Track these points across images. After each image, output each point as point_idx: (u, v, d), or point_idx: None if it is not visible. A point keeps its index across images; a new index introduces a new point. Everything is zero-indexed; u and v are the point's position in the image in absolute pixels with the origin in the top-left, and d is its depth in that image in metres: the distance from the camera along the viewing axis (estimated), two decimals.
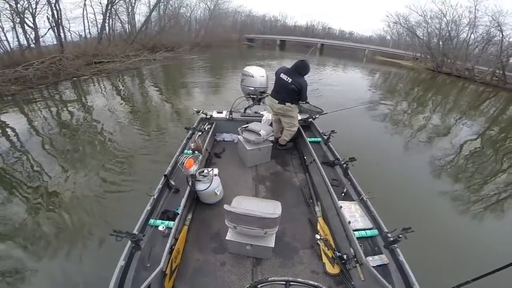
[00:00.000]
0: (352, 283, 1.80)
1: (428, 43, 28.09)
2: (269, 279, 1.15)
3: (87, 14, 17.54)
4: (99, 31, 17.39)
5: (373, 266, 1.66)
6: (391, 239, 1.76)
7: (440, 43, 27.00)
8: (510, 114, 11.40)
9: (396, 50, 36.42)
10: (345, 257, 1.94)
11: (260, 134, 3.12)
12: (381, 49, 39.54)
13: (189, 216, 2.35)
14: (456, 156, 5.94)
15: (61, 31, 13.51)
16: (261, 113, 3.96)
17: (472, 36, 24.88)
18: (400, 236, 1.66)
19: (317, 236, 2.22)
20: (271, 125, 3.70)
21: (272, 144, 3.40)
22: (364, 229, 1.98)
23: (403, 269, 1.61)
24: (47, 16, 12.92)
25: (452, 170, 5.22)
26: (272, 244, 1.92)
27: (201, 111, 3.91)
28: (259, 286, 1.18)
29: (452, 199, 4.20)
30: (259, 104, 4.40)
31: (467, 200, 4.21)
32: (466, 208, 4.04)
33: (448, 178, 4.87)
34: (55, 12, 12.78)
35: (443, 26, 26.40)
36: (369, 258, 1.73)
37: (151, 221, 1.96)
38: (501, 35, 21.16)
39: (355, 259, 1.88)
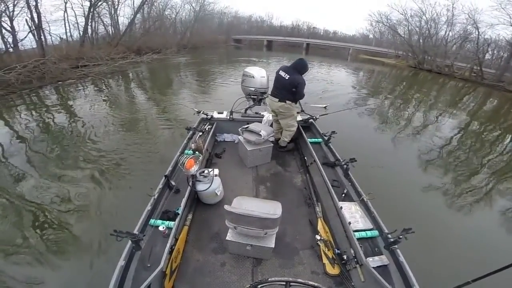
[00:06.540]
0: (352, 283, 1.80)
1: (409, 40, 28.59)
2: (269, 279, 1.14)
3: (68, 16, 16.97)
4: (81, 33, 16.85)
5: (373, 267, 1.66)
6: (392, 240, 1.76)
7: (421, 40, 27.51)
8: None
9: (379, 48, 36.83)
10: (345, 258, 1.94)
11: (260, 135, 3.12)
12: (364, 47, 39.82)
13: (190, 216, 2.35)
14: (457, 157, 5.93)
15: (42, 34, 12.96)
16: (262, 113, 3.97)
17: (450, 33, 25.65)
18: (401, 237, 1.66)
19: (317, 237, 2.22)
20: (271, 125, 3.71)
21: (272, 144, 3.40)
22: (364, 230, 1.98)
23: (403, 270, 1.61)
24: (26, 19, 12.42)
25: (453, 171, 5.19)
26: (272, 245, 1.92)
27: (201, 112, 3.90)
28: (259, 286, 1.18)
29: (452, 200, 4.19)
30: (260, 105, 4.41)
31: (467, 201, 4.20)
32: (467, 209, 4.03)
33: (449, 179, 4.83)
34: (35, 15, 12.27)
35: (423, 24, 27.10)
36: (369, 259, 1.73)
37: (152, 221, 1.96)
38: (477, 32, 21.78)
39: (355, 259, 1.88)
